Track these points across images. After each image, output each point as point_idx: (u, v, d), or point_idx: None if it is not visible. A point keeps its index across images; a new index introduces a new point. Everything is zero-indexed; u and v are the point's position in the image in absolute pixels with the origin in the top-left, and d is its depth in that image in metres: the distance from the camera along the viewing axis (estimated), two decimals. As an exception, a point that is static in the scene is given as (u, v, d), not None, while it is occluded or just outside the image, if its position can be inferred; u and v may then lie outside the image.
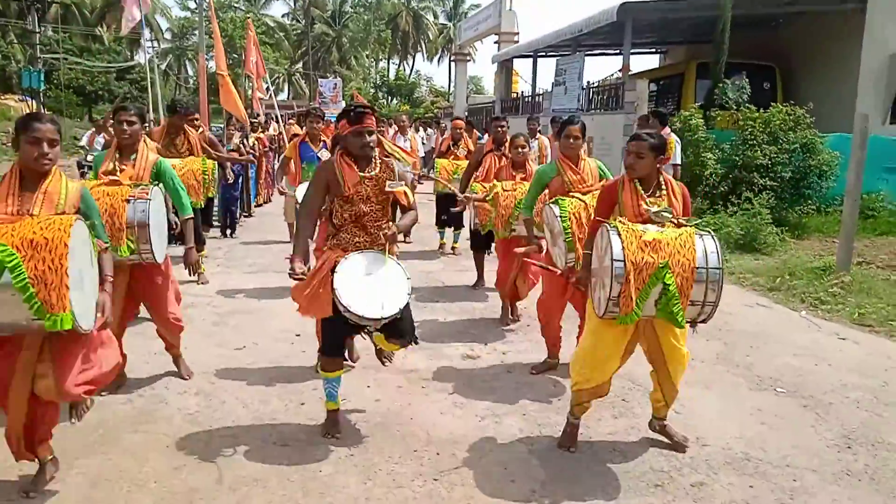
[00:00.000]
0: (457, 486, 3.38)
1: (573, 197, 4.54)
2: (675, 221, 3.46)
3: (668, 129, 8.69)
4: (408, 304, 3.66)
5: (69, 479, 3.31)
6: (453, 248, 9.35)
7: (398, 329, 3.73)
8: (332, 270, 3.54)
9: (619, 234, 3.28)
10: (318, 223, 4.02)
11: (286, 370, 4.82)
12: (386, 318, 3.52)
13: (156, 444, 3.70)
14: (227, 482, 3.35)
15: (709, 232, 3.42)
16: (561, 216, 4.39)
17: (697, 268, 3.27)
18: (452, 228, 9.25)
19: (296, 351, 5.19)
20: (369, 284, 3.53)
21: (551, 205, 4.56)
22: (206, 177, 6.88)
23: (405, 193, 3.76)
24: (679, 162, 8.93)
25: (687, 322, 3.38)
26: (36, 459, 3.18)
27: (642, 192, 3.54)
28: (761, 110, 11.11)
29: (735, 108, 11.90)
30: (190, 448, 3.68)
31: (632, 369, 4.73)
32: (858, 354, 5.49)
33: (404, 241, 9.88)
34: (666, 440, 3.84)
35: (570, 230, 4.33)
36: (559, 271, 4.47)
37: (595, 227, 3.76)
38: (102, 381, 3.18)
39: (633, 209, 3.52)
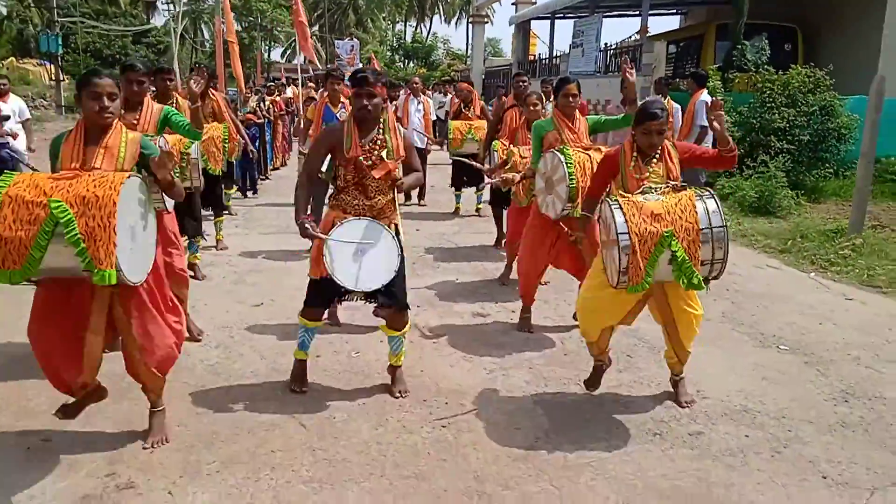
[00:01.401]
0: (464, 433, 3.55)
1: (576, 150, 4.62)
2: (674, 185, 3.55)
3: (703, 92, 8.67)
4: (401, 272, 3.72)
5: (98, 423, 3.50)
6: (478, 209, 9.40)
7: (393, 294, 3.77)
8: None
9: (621, 208, 3.36)
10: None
11: (302, 325, 4.98)
12: (364, 291, 3.64)
13: (179, 391, 3.89)
14: (246, 427, 3.54)
15: (708, 192, 3.50)
16: (566, 162, 4.44)
17: (702, 229, 3.35)
18: (475, 189, 9.31)
19: None
20: (361, 255, 3.60)
21: (555, 152, 4.61)
22: (227, 144, 6.99)
23: (395, 168, 3.76)
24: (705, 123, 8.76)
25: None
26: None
27: (642, 160, 3.63)
28: (780, 72, 11.01)
29: (754, 69, 11.78)
30: (211, 396, 3.88)
31: (639, 326, 4.86)
32: (864, 314, 5.57)
33: (418, 204, 10.00)
34: (672, 393, 3.97)
35: (574, 176, 4.38)
36: (570, 234, 4.55)
37: (594, 193, 3.87)
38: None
39: (634, 179, 3.60)
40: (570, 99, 4.80)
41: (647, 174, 3.61)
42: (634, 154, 3.64)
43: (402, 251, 3.70)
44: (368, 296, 3.80)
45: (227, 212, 7.98)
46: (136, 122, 4.26)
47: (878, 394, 4.09)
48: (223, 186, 7.58)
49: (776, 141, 10.53)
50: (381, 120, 3.77)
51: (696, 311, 3.71)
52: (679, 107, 9.15)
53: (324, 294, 3.83)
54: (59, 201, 2.78)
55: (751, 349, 4.80)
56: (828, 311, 5.58)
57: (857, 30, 13.22)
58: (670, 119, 8.77)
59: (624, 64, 4.91)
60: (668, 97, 9.23)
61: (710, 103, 3.77)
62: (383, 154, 3.71)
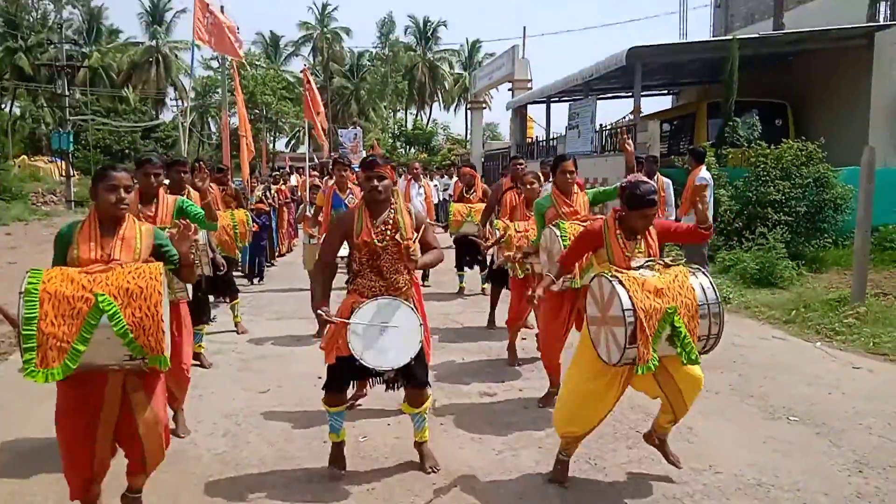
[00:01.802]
0: (474, 516, 3.50)
1: (572, 222, 4.77)
2: (663, 262, 3.59)
3: (702, 168, 8.87)
4: (421, 349, 3.78)
5: (105, 517, 3.47)
6: (483, 288, 9.45)
7: (413, 373, 3.84)
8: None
9: (623, 284, 3.35)
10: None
11: (309, 411, 4.97)
12: (394, 369, 3.66)
13: (186, 482, 3.87)
14: (254, 516, 3.50)
15: (698, 268, 3.58)
16: (561, 236, 4.62)
17: (699, 305, 3.40)
18: (479, 269, 9.39)
19: (318, 393, 5.22)
20: (381, 333, 3.67)
21: (551, 227, 4.80)
22: (237, 230, 7.15)
23: (414, 242, 3.83)
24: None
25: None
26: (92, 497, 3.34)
27: (625, 236, 3.68)
28: (773, 147, 11.28)
29: (747, 145, 12.08)
30: (218, 486, 3.85)
31: (645, 401, 4.85)
32: (872, 382, 5.54)
33: (422, 285, 10.07)
34: (664, 462, 3.92)
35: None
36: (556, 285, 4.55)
37: (569, 262, 3.93)
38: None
39: (621, 253, 3.65)
40: (568, 175, 5.01)
41: (636, 252, 3.66)
42: (618, 231, 3.70)
43: (422, 324, 3.76)
44: (388, 380, 3.84)
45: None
46: (152, 214, 4.38)
47: (892, 463, 4.04)
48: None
49: (773, 213, 10.70)
50: (392, 202, 3.87)
51: (698, 373, 3.63)
52: (670, 181, 9.34)
53: (342, 378, 3.86)
54: (104, 295, 2.87)
55: (760, 421, 4.76)
56: (835, 381, 5.56)
57: (846, 103, 13.61)
58: (662, 194, 9.00)
59: (623, 136, 5.08)
60: (658, 174, 9.42)
61: (695, 187, 3.91)
62: (397, 237, 3.78)
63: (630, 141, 5.02)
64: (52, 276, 2.94)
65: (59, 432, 3.16)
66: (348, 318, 3.68)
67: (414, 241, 3.80)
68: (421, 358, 3.86)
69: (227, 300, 7.52)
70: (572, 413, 3.75)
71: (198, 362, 5.87)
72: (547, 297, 5.02)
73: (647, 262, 3.57)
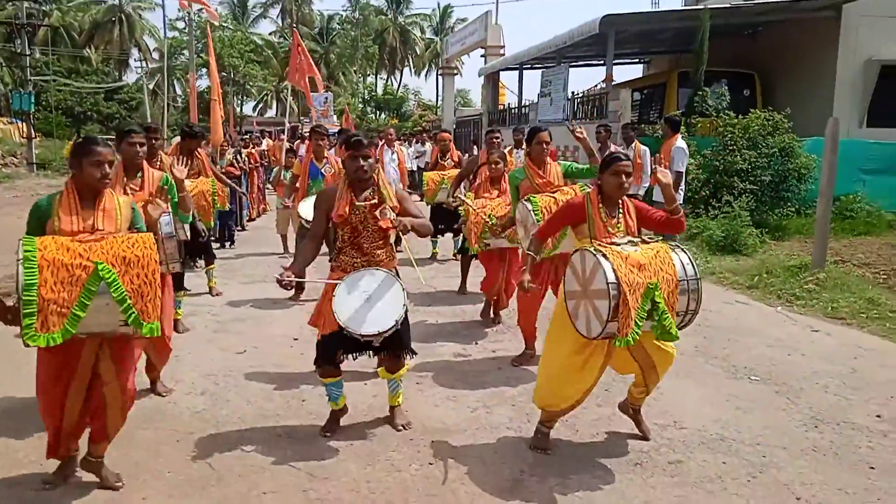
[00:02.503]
0: (451, 469, 3.64)
1: (544, 194, 4.87)
2: (641, 239, 3.66)
3: (678, 137, 8.90)
4: (406, 317, 3.87)
5: (83, 476, 3.53)
6: (454, 254, 9.50)
7: (397, 340, 3.92)
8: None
9: (607, 257, 3.37)
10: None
11: (287, 371, 5.06)
12: (382, 334, 3.73)
13: (168, 439, 3.94)
14: (236, 471, 3.59)
15: (678, 244, 3.63)
16: (533, 210, 4.75)
17: (679, 280, 3.45)
18: (452, 235, 9.42)
19: (295, 353, 5.43)
20: (366, 302, 3.75)
21: (524, 201, 4.91)
22: (215, 196, 7.12)
23: (397, 212, 3.91)
24: (681, 169, 8.82)
25: None
26: (69, 455, 3.44)
27: (606, 211, 3.75)
28: (741, 117, 11.48)
29: (715, 114, 12.26)
30: (200, 442, 3.92)
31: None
32: (830, 344, 5.79)
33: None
34: (634, 425, 4.06)
35: (541, 220, 4.65)
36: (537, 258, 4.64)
37: (545, 234, 3.99)
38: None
39: (602, 228, 3.71)
40: (543, 146, 5.10)
41: (615, 229, 3.72)
42: (601, 205, 3.76)
43: (405, 292, 3.85)
44: (374, 347, 3.92)
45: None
46: (138, 187, 4.39)
47: (846, 419, 4.26)
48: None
49: (739, 182, 10.93)
50: (375, 179, 3.93)
51: (672, 349, 3.76)
52: (647, 149, 9.49)
53: (330, 350, 3.92)
54: (103, 262, 2.96)
55: (724, 381, 4.96)
56: (795, 343, 5.79)
57: (812, 74, 13.85)
58: (638, 160, 9.13)
59: (573, 130, 5.13)
60: (637, 140, 9.57)
61: (658, 158, 3.93)
62: (378, 212, 3.83)
63: (580, 130, 5.05)
64: (46, 243, 2.99)
65: (40, 395, 3.26)
66: (332, 294, 3.75)
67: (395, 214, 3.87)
68: (406, 324, 3.95)
69: (203, 264, 7.52)
70: (552, 389, 3.80)
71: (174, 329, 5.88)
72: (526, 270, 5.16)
73: (628, 239, 3.64)
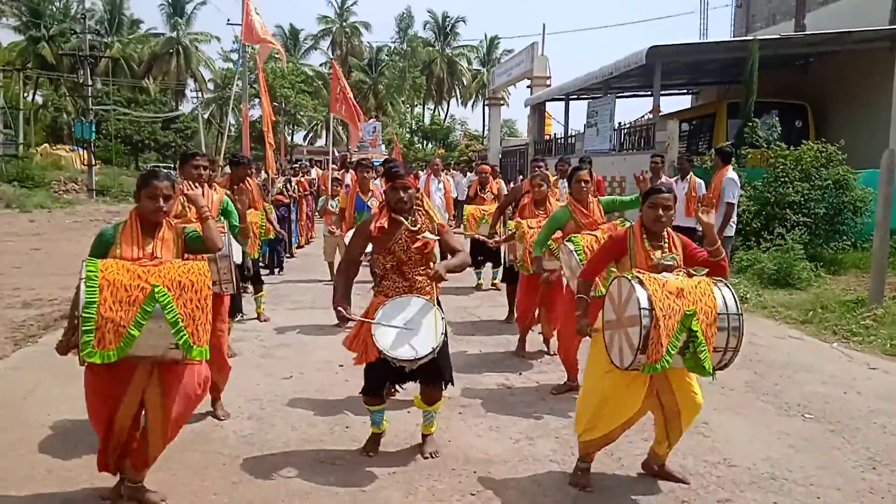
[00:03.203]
0: (492, 500, 3.60)
1: (585, 233, 4.88)
2: (686, 271, 3.56)
3: (729, 169, 8.73)
4: (445, 344, 3.88)
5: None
6: (493, 283, 9.55)
7: (436, 369, 3.93)
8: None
9: (643, 284, 3.31)
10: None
11: (331, 397, 5.10)
12: (418, 360, 3.73)
13: (214, 461, 3.99)
14: (280, 495, 3.62)
15: (722, 280, 3.50)
16: (575, 250, 4.75)
17: (719, 314, 3.32)
18: (492, 265, 9.48)
19: (339, 380, 5.47)
20: (404, 328, 3.78)
21: (566, 243, 4.91)
22: (262, 229, 7.31)
23: (438, 241, 3.97)
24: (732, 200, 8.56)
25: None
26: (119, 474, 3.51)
27: (650, 243, 3.68)
28: (792, 148, 11.27)
29: (766, 146, 12.06)
30: (245, 465, 3.97)
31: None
32: (888, 382, 5.58)
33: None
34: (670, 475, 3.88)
35: (584, 262, 4.60)
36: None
37: (592, 273, 3.90)
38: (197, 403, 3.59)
39: (643, 260, 3.64)
40: (583, 185, 5.15)
41: (654, 257, 3.65)
42: (644, 237, 3.71)
43: (444, 320, 3.86)
44: (418, 377, 3.95)
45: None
46: None
47: (905, 461, 4.10)
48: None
49: (791, 214, 10.70)
50: (417, 207, 4.00)
51: (699, 397, 3.62)
52: (702, 182, 9.34)
53: (377, 378, 3.97)
54: (160, 285, 3.07)
55: (775, 417, 4.82)
56: (851, 380, 5.61)
57: (867, 105, 13.55)
58: (693, 193, 8.99)
59: (639, 177, 5.11)
60: (692, 173, 9.39)
61: (702, 197, 3.83)
62: (424, 234, 3.89)
63: (646, 178, 5.12)
64: (108, 265, 3.13)
65: (90, 411, 3.37)
66: (372, 318, 3.80)
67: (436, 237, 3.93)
68: (445, 355, 3.96)
69: (252, 291, 7.68)
70: (589, 416, 3.70)
71: None
72: (568, 296, 5.15)
73: (667, 258, 3.57)
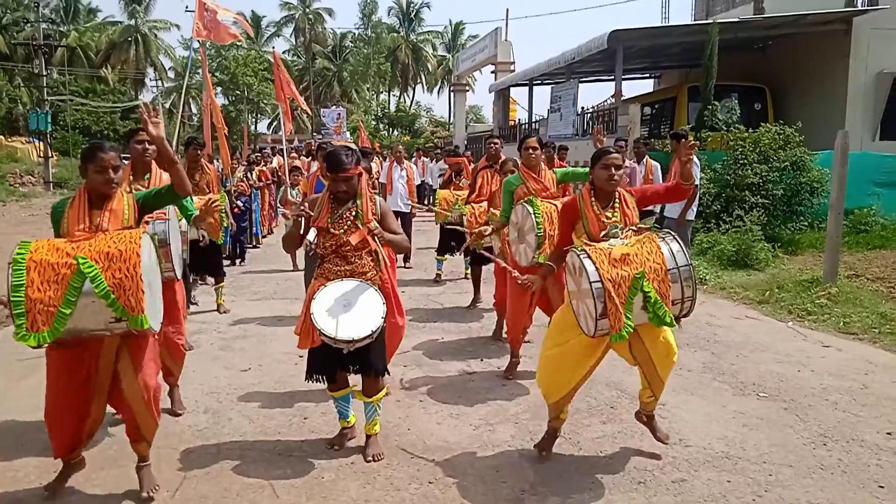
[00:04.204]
0: (450, 488, 3.59)
1: (545, 201, 4.91)
2: (634, 228, 3.67)
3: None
4: (382, 332, 3.82)
5: (87, 490, 3.53)
6: (466, 273, 9.37)
7: (368, 358, 3.85)
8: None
9: (590, 256, 3.42)
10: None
11: (290, 388, 5.04)
12: (356, 342, 3.67)
13: (168, 457, 3.92)
14: (235, 489, 3.57)
15: (669, 233, 3.62)
16: (534, 213, 4.77)
17: (669, 269, 3.44)
18: (463, 255, 9.30)
19: (298, 371, 5.34)
20: (344, 310, 3.72)
21: (524, 202, 4.93)
22: (225, 213, 7.17)
23: (369, 236, 3.89)
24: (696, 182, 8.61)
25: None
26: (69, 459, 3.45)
27: (600, 206, 3.74)
28: (751, 130, 11.41)
29: (725, 129, 12.21)
30: (199, 460, 3.90)
31: (620, 378, 4.99)
32: (841, 360, 5.70)
33: (403, 267, 10.13)
34: (650, 432, 4.01)
35: (542, 225, 4.71)
36: (519, 277, 4.41)
37: (561, 244, 3.95)
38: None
39: (596, 222, 3.70)
40: (531, 151, 5.22)
41: (611, 220, 3.70)
42: (593, 199, 3.76)
43: (385, 305, 3.81)
44: (357, 365, 3.89)
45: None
46: (146, 188, 4.42)
47: (855, 436, 4.18)
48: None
49: (751, 196, 10.85)
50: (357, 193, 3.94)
51: (672, 342, 3.72)
52: (658, 165, 9.43)
53: (319, 362, 3.91)
54: (85, 258, 2.97)
55: (731, 397, 4.89)
56: (805, 359, 5.71)
57: (824, 87, 13.80)
58: (650, 176, 9.08)
59: (597, 132, 5.20)
60: (648, 156, 9.50)
61: (684, 141, 3.87)
62: (357, 223, 3.85)
63: (603, 134, 5.25)
64: (38, 246, 3.05)
65: (48, 394, 3.28)
66: (312, 301, 3.75)
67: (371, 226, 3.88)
68: (380, 344, 3.90)
69: (213, 282, 7.56)
70: (550, 374, 3.83)
71: None
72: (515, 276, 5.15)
73: (612, 229, 3.63)
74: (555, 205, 4.88)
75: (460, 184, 9.16)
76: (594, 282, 3.34)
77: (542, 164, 5.30)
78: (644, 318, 3.46)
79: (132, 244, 3.07)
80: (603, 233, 3.65)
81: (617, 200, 3.77)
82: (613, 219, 3.70)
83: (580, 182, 5.35)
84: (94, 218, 3.26)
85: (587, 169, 5.08)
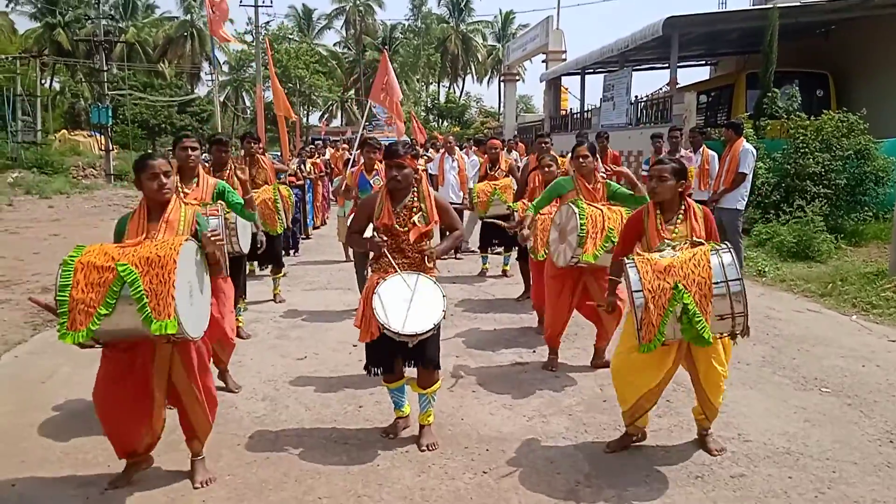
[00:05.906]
0: (505, 478, 3.60)
1: (592, 206, 4.88)
2: (690, 242, 3.60)
3: (743, 140, 8.50)
4: (439, 327, 3.85)
5: (152, 474, 3.65)
6: (504, 270, 9.31)
7: (426, 351, 3.90)
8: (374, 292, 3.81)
9: (636, 265, 3.44)
10: None
11: (345, 377, 5.11)
12: (419, 335, 3.70)
13: (228, 442, 4.02)
14: (293, 475, 3.64)
15: (725, 247, 3.51)
16: (579, 213, 4.72)
17: (716, 283, 3.35)
18: (503, 250, 9.23)
19: (353, 360, 5.48)
20: (406, 304, 3.75)
21: (570, 204, 4.87)
22: (280, 204, 7.29)
23: (427, 229, 3.96)
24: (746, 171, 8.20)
25: (723, 336, 3.51)
26: (133, 458, 3.57)
27: (663, 219, 3.72)
28: (813, 118, 11.05)
29: (786, 116, 11.85)
30: (259, 446, 4.00)
31: (677, 371, 4.89)
32: (908, 356, 5.49)
33: (454, 258, 10.14)
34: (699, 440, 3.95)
35: (585, 226, 4.65)
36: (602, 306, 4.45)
37: (620, 256, 3.89)
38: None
39: (655, 236, 3.69)
40: (581, 160, 5.12)
41: (673, 234, 3.67)
42: (658, 212, 3.74)
43: (445, 297, 3.83)
44: (415, 358, 3.95)
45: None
46: (191, 192, 4.57)
47: (924, 434, 4.04)
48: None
49: (812, 185, 10.52)
50: (414, 188, 3.98)
51: (723, 370, 3.68)
52: (715, 154, 9.18)
53: (380, 352, 3.96)
54: (126, 264, 3.06)
55: (792, 392, 4.77)
56: (870, 353, 5.53)
57: (890, 74, 13.25)
58: (706, 166, 8.86)
59: (609, 173, 5.16)
60: (705, 146, 9.25)
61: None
62: (415, 219, 3.91)
63: (619, 170, 5.29)
64: (90, 250, 3.16)
65: (97, 396, 3.40)
66: (373, 295, 3.79)
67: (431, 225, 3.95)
68: (436, 338, 3.94)
69: (271, 272, 7.72)
70: (617, 381, 3.84)
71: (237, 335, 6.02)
72: (553, 276, 5.14)
73: (668, 244, 3.62)
74: (601, 210, 4.83)
75: (496, 174, 8.89)
76: (635, 291, 3.37)
77: (596, 173, 5.18)
78: (678, 335, 3.42)
79: (171, 250, 3.14)
80: (659, 244, 3.64)
81: (682, 213, 3.72)
82: (676, 234, 3.66)
83: (630, 206, 5.23)
84: (151, 230, 3.40)
85: (631, 195, 5.05)
